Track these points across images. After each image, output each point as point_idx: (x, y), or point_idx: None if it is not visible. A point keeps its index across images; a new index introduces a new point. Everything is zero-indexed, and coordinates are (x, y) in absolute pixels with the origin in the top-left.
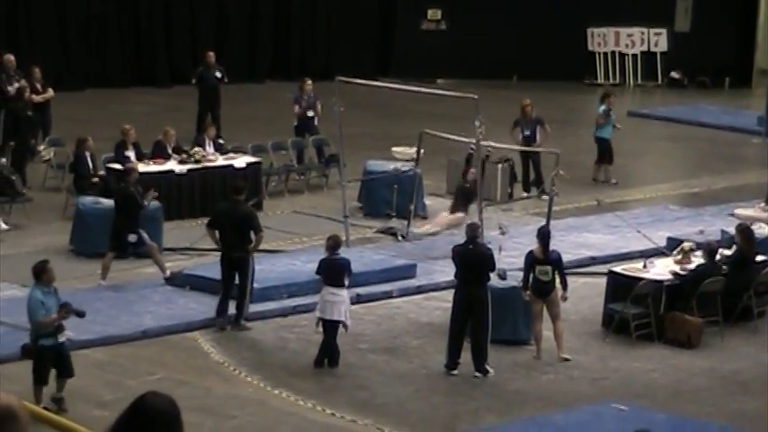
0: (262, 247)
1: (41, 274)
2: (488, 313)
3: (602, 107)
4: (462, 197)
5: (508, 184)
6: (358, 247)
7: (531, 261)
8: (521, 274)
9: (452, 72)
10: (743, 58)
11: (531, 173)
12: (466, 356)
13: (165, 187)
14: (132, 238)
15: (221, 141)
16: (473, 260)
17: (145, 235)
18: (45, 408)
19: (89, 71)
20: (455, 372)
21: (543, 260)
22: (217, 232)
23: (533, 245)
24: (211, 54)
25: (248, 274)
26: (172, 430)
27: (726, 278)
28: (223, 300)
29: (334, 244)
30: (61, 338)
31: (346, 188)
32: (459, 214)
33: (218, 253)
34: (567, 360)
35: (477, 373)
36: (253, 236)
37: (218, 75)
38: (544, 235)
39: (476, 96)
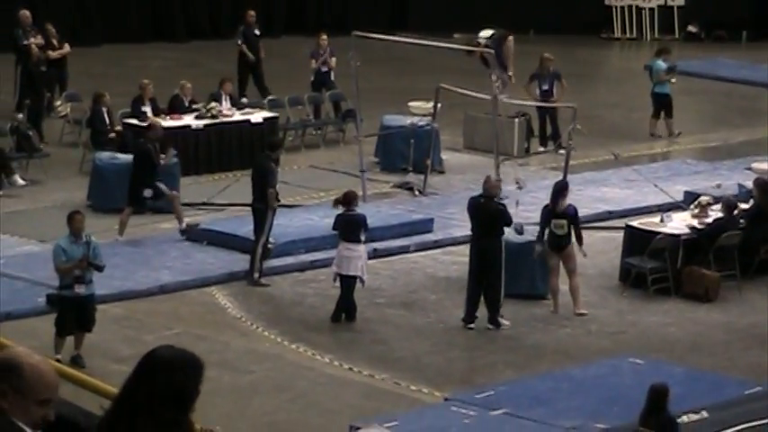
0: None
1: (68, 222)
2: (501, 266)
3: (660, 62)
4: None
5: (525, 139)
6: (375, 202)
7: (548, 214)
8: (538, 228)
9: (469, 26)
10: (760, 12)
11: (548, 127)
12: (483, 311)
13: (182, 143)
14: (148, 193)
15: (244, 100)
16: (484, 213)
17: (163, 186)
18: (57, 360)
19: (105, 26)
20: (472, 326)
21: (558, 213)
22: None
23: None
24: (251, 12)
25: (262, 227)
26: (172, 381)
27: (743, 232)
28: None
29: (350, 199)
30: (79, 289)
31: (363, 143)
32: None
33: (235, 208)
34: (582, 315)
35: (490, 325)
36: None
37: (257, 32)
38: (560, 188)
39: (492, 51)
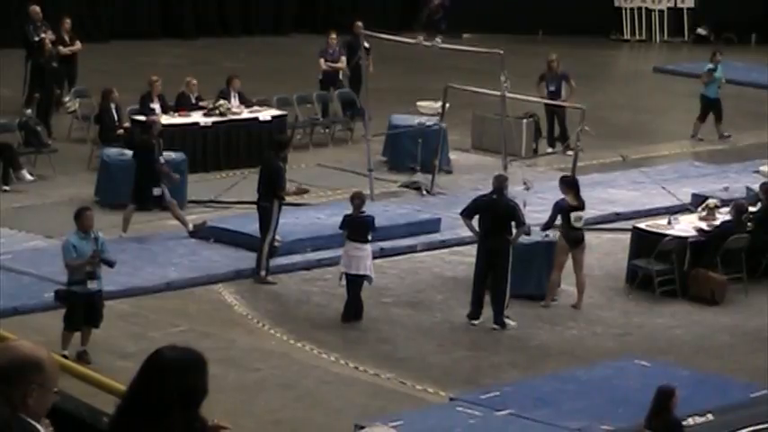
0: (287, 200)
1: (77, 218)
2: (508, 265)
3: (709, 65)
4: None
5: (533, 140)
6: (382, 201)
7: (566, 208)
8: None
9: (478, 27)
10: None
11: (556, 128)
12: (489, 311)
13: (190, 139)
14: (157, 191)
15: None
16: (495, 211)
17: (166, 191)
18: (64, 355)
19: (114, 22)
20: (475, 322)
21: (577, 206)
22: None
23: (556, 199)
24: (359, 23)
25: (268, 226)
26: (184, 383)
27: (750, 235)
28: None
29: (360, 203)
30: (91, 285)
31: (371, 142)
32: None
33: (242, 205)
34: (574, 307)
35: (496, 326)
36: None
37: (367, 45)
38: (574, 182)
39: (501, 52)
